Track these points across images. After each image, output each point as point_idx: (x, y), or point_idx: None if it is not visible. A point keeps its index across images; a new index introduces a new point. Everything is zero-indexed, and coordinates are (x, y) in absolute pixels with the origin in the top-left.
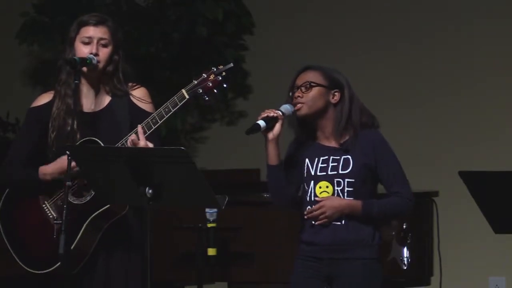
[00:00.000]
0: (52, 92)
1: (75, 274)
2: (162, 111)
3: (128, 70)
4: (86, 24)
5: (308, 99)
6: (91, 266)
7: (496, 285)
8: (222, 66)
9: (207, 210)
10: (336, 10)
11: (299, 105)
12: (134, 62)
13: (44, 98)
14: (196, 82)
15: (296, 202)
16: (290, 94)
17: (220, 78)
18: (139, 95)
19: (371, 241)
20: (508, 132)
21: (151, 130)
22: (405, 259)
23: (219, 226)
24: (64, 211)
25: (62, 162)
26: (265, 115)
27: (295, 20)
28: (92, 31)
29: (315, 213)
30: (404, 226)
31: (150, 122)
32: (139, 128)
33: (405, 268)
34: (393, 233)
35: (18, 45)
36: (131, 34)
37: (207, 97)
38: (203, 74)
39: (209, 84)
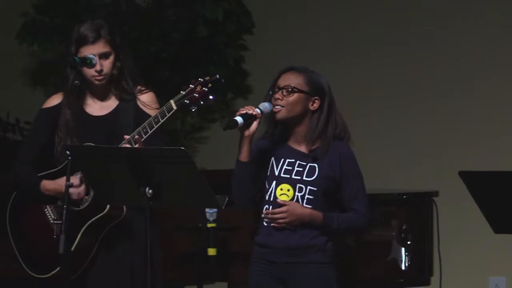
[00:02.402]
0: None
1: (76, 278)
2: (152, 121)
3: (134, 70)
4: (84, 43)
5: (288, 103)
6: (92, 269)
7: (496, 285)
8: (208, 78)
9: (207, 210)
10: (336, 10)
11: (277, 108)
12: (134, 62)
13: (55, 100)
14: (183, 93)
15: (256, 202)
16: (270, 92)
17: (206, 89)
18: (145, 100)
19: (324, 246)
20: (508, 132)
21: (142, 139)
22: (405, 259)
23: (219, 226)
24: (64, 212)
25: (60, 183)
26: (244, 111)
27: (295, 20)
28: (91, 49)
29: (276, 215)
30: (404, 227)
31: (141, 131)
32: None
33: (405, 268)
34: (393, 233)
35: (18, 45)
36: (131, 34)
37: (194, 108)
38: (191, 85)
39: (195, 95)
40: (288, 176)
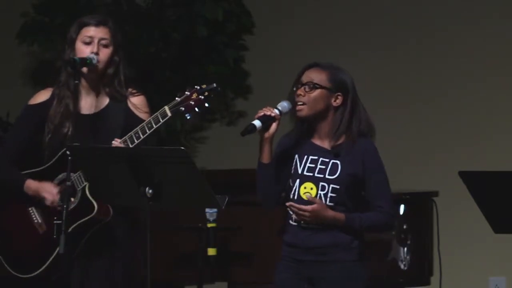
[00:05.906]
0: (50, 89)
1: (56, 279)
2: (145, 127)
3: (128, 74)
4: (87, 24)
5: (310, 100)
6: (74, 271)
7: (496, 285)
8: (205, 86)
9: (207, 210)
10: (336, 10)
11: (299, 106)
12: (134, 62)
13: (42, 96)
14: (179, 100)
15: (281, 202)
16: (294, 89)
17: (203, 97)
18: (136, 103)
19: (349, 244)
20: (507, 132)
21: (134, 144)
22: (405, 259)
23: (219, 226)
24: (64, 211)
25: (43, 187)
26: (262, 113)
27: (295, 20)
28: (93, 31)
29: (300, 212)
30: (404, 227)
31: (133, 136)
32: (116, 143)
33: (405, 268)
34: (393, 233)
35: (18, 45)
36: (131, 34)
37: (189, 115)
38: (186, 92)
39: (191, 103)
40: (311, 174)
